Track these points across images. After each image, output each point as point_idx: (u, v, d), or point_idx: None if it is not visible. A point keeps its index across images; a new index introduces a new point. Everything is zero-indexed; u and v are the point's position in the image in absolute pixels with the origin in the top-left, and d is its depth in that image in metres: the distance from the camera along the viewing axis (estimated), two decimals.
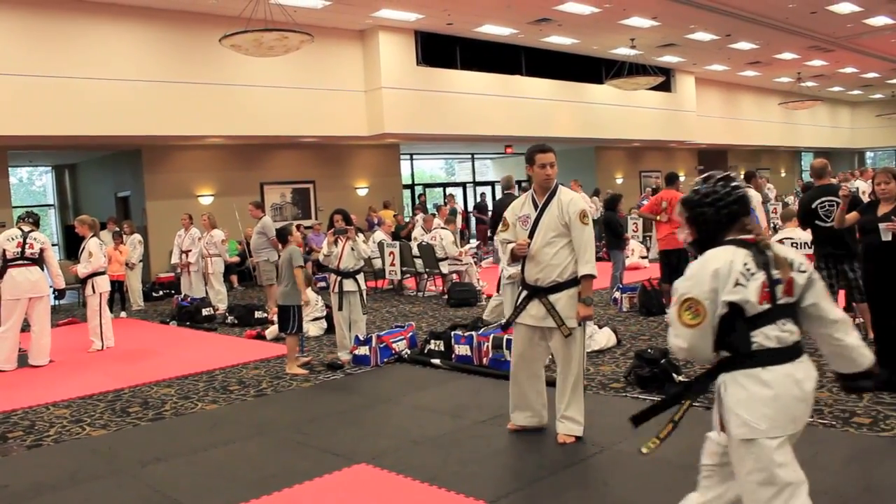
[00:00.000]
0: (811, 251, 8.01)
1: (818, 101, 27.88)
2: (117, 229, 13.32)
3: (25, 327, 8.76)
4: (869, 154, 38.47)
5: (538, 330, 5.01)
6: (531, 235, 4.90)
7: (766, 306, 2.68)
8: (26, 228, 8.76)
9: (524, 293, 5.05)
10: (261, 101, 15.22)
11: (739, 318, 2.68)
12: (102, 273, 9.56)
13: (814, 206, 7.05)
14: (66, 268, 14.68)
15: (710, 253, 2.74)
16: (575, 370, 4.93)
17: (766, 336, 2.69)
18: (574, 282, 4.84)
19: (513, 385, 5.24)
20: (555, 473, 4.49)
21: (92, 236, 9.59)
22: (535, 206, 4.95)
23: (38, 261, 8.69)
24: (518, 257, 4.96)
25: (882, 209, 5.85)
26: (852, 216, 6.62)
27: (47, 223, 20.85)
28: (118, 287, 12.45)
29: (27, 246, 8.59)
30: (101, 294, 9.47)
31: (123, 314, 12.49)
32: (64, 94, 12.98)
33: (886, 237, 5.70)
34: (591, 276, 4.82)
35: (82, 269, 9.46)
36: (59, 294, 9.77)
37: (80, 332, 10.42)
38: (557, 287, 4.84)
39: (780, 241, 8.53)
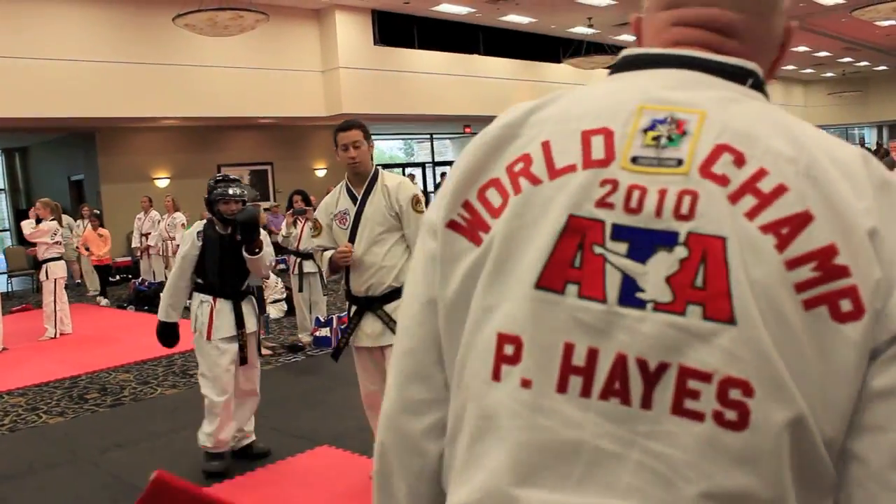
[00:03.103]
0: None
1: (773, 79, 28.28)
2: (97, 211, 13.01)
3: None
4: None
5: (377, 351, 3.88)
6: (352, 236, 3.84)
7: None
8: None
9: (353, 308, 3.95)
10: (216, 81, 15.00)
11: None
12: (57, 259, 9.37)
13: None
14: (18, 253, 14.42)
15: None
16: None
17: None
18: None
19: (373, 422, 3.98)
20: None
21: (52, 220, 9.40)
22: (353, 198, 3.91)
23: None
24: (340, 267, 3.88)
25: None
26: None
27: None
28: (105, 273, 12.31)
29: None
30: (55, 280, 9.29)
31: (105, 301, 12.22)
32: (14, 76, 12.65)
33: None
34: None
35: (26, 230, 9.27)
36: None
37: (34, 318, 10.23)
38: (395, 293, 3.74)
39: None
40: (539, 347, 0.80)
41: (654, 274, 0.77)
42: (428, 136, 26.49)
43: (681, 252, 0.76)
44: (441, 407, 0.90)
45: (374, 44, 17.54)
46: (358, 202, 3.87)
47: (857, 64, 30.43)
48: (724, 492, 0.74)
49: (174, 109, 14.65)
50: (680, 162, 0.79)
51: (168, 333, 4.52)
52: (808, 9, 19.65)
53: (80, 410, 6.10)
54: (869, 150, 6.49)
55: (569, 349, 0.79)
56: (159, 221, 12.20)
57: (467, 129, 23.09)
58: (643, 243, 0.78)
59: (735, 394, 0.74)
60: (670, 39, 0.91)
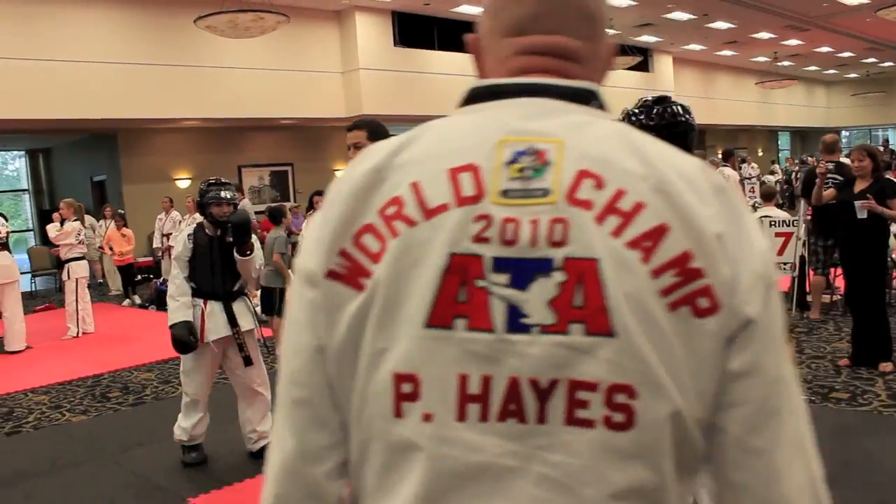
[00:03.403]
0: (790, 229, 8.08)
1: (794, 80, 28.03)
2: (121, 211, 13.06)
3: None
4: (844, 133, 38.81)
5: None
6: None
7: None
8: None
9: None
10: (237, 83, 15.07)
11: None
12: (80, 259, 9.46)
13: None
14: (42, 253, 14.55)
15: None
16: None
17: None
18: None
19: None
20: None
21: (74, 220, 9.48)
22: None
23: (6, 245, 8.56)
24: None
25: (858, 186, 5.89)
26: (829, 193, 6.67)
27: (21, 208, 20.58)
28: (129, 273, 12.31)
29: None
30: (77, 279, 9.36)
31: (138, 301, 12.24)
32: (38, 78, 12.78)
33: (862, 215, 5.74)
34: None
35: (51, 233, 9.38)
36: None
37: (57, 317, 10.32)
38: None
39: (759, 220, 8.61)
40: (436, 382, 0.84)
41: (536, 299, 0.82)
42: None
43: (558, 276, 0.82)
44: (340, 449, 0.93)
45: (394, 45, 17.56)
46: None
47: (882, 64, 30.09)
48: (619, 489, 0.81)
49: (195, 111, 14.74)
50: (546, 192, 0.84)
51: (184, 337, 4.49)
52: (832, 9, 19.46)
53: (102, 409, 6.15)
54: (893, 152, 6.41)
55: (463, 380, 0.83)
56: (180, 222, 12.28)
57: None
58: (522, 272, 0.83)
59: (620, 398, 0.81)
60: (518, 67, 0.95)
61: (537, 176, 0.85)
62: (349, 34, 16.86)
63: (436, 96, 18.21)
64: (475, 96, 0.96)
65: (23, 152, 20.37)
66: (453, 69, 18.70)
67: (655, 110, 2.67)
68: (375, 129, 3.96)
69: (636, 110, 2.73)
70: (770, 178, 15.84)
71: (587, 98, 0.94)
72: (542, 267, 0.83)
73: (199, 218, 4.74)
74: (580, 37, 0.96)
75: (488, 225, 0.84)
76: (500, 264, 0.83)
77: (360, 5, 16.57)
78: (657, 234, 0.83)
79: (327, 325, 0.89)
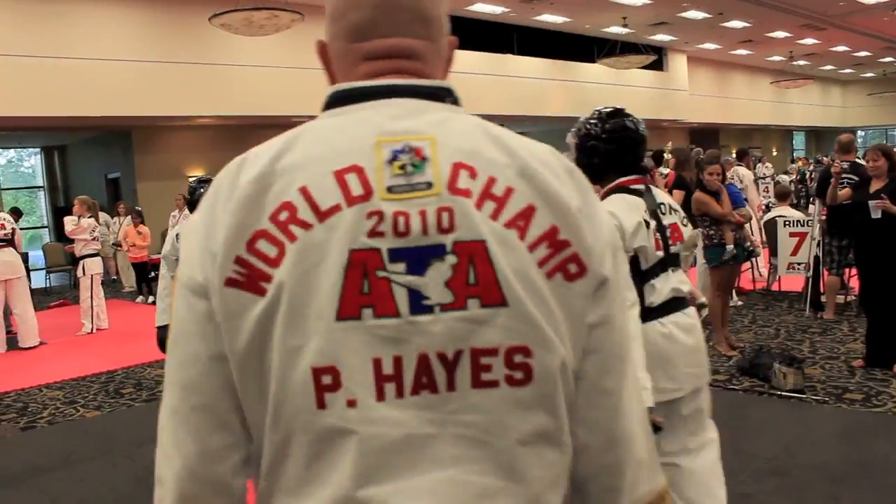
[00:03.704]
0: (804, 229, 8.04)
1: (810, 79, 27.86)
2: (139, 208, 13.07)
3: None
4: (860, 133, 38.58)
5: None
6: None
7: (660, 255, 2.72)
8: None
9: None
10: (251, 80, 15.11)
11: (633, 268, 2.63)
12: (94, 255, 9.51)
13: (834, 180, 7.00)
14: (57, 249, 14.65)
15: (608, 201, 2.72)
16: None
17: (655, 289, 2.71)
18: None
19: None
20: None
21: (89, 217, 9.54)
22: None
23: (11, 241, 8.59)
24: None
25: (874, 186, 5.85)
26: (844, 193, 6.63)
27: (36, 205, 20.71)
28: (144, 270, 12.28)
29: None
30: (92, 276, 9.42)
31: (151, 299, 12.30)
32: (53, 75, 12.85)
33: (876, 215, 5.71)
34: None
35: (68, 226, 9.42)
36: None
37: (72, 313, 10.39)
38: None
39: (773, 220, 8.57)
40: (353, 370, 0.90)
41: (434, 282, 0.91)
42: None
43: (451, 259, 0.91)
44: (242, 446, 0.98)
45: None
46: None
47: None
48: (525, 436, 0.94)
49: (210, 108, 14.79)
50: (430, 185, 0.93)
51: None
52: (849, 7, 19.33)
53: (115, 404, 6.19)
54: None
55: (377, 363, 0.90)
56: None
57: None
58: (418, 259, 0.91)
59: (518, 358, 0.92)
60: (370, 70, 1.03)
61: (418, 171, 0.93)
62: None
63: None
64: (339, 99, 1.02)
65: (38, 149, 20.51)
66: (466, 67, 18.70)
67: (608, 123, 2.75)
68: None
69: (592, 121, 2.80)
70: (784, 178, 15.76)
71: (444, 96, 1.03)
72: (436, 252, 0.91)
73: (189, 215, 4.73)
74: (419, 37, 1.03)
75: (381, 220, 0.91)
76: (397, 254, 0.91)
77: None
78: (527, 213, 0.94)
79: (228, 332, 0.93)
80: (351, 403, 0.90)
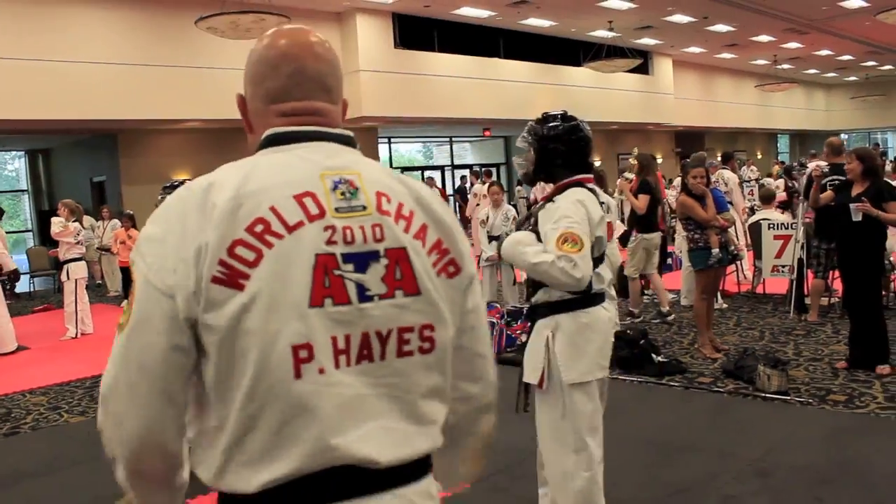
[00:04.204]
0: (788, 232, 8.10)
1: (794, 83, 28.04)
2: (129, 212, 12.88)
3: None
4: (843, 136, 38.86)
5: None
6: None
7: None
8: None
9: None
10: (238, 84, 14.77)
11: None
12: (78, 259, 9.45)
13: (823, 182, 7.04)
14: (41, 253, 14.55)
15: (571, 192, 2.97)
16: None
17: (600, 276, 3.02)
18: None
19: None
20: (534, 455, 4.51)
21: (74, 221, 9.47)
22: None
23: None
24: None
25: (856, 189, 5.89)
26: (826, 195, 6.68)
27: (20, 209, 20.58)
28: (128, 272, 12.11)
29: None
30: (76, 280, 9.36)
31: None
32: (38, 78, 12.79)
33: (857, 217, 5.74)
34: None
35: (55, 227, 9.33)
36: (14, 276, 9.60)
37: (55, 318, 10.32)
38: None
39: (757, 223, 8.62)
40: (321, 345, 1.19)
41: (373, 278, 1.24)
42: (447, 139, 26.49)
43: (384, 261, 1.25)
44: (181, 419, 1.27)
45: (395, 47, 17.58)
46: None
47: (881, 68, 30.11)
48: (427, 391, 1.30)
49: (195, 111, 14.76)
50: (364, 207, 1.26)
51: None
52: (832, 12, 19.49)
53: None
54: (884, 154, 6.41)
55: (334, 340, 1.21)
56: None
57: (486, 133, 23.07)
58: (361, 261, 1.24)
59: (427, 333, 1.28)
60: (284, 123, 1.34)
61: (354, 197, 1.26)
62: (350, 36, 16.88)
63: (436, 98, 18.24)
64: (274, 140, 1.32)
65: (22, 153, 20.39)
66: (453, 71, 18.73)
67: (565, 126, 3.06)
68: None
69: (550, 125, 3.08)
70: (769, 181, 15.84)
71: (352, 142, 1.37)
72: (373, 256, 1.24)
73: None
74: (323, 101, 1.36)
75: (334, 232, 1.22)
76: (347, 258, 1.23)
77: (360, 7, 16.60)
78: (424, 229, 1.31)
79: (209, 319, 1.17)
80: (321, 371, 1.19)
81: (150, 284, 1.20)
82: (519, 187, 23.66)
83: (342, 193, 1.25)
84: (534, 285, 3.05)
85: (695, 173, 6.65)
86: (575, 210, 2.88)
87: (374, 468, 1.23)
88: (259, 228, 1.18)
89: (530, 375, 3.02)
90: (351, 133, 1.37)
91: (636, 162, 8.35)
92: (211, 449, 1.23)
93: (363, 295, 1.23)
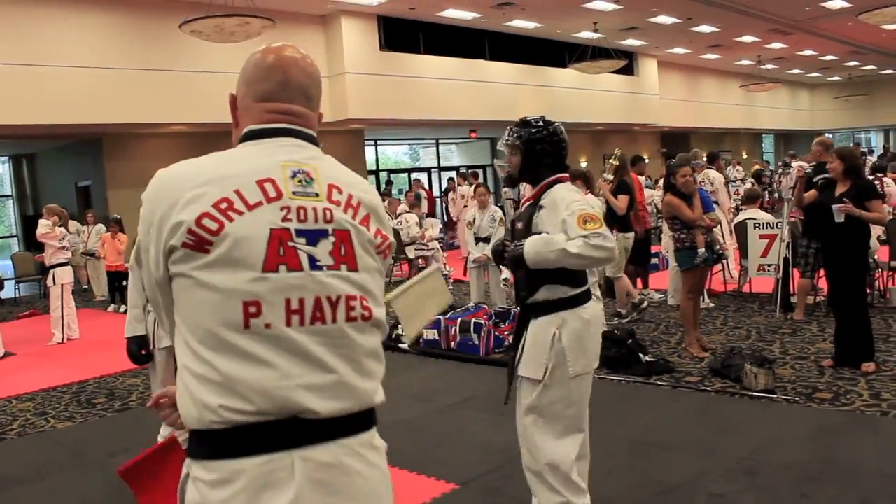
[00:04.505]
0: (774, 231, 8.14)
1: (778, 83, 28.20)
2: (116, 216, 12.73)
3: None
4: (828, 135, 39.07)
5: None
6: None
7: None
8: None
9: None
10: (223, 87, 14.87)
11: None
12: (64, 264, 9.40)
13: (815, 179, 7.08)
14: (26, 259, 14.46)
15: (560, 186, 3.14)
16: None
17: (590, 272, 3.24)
18: None
19: None
20: None
21: (59, 225, 9.42)
22: None
23: None
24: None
25: (839, 189, 5.93)
26: (810, 195, 6.72)
27: (5, 214, 20.44)
28: (118, 279, 11.93)
29: None
30: (62, 285, 9.30)
31: (123, 308, 12.10)
32: (21, 82, 12.71)
33: (839, 218, 5.77)
34: None
35: (41, 229, 9.26)
36: None
37: (41, 324, 10.26)
38: None
39: (743, 222, 8.67)
40: (271, 304, 1.42)
41: (322, 251, 1.48)
42: (434, 141, 26.51)
43: (332, 238, 1.50)
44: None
45: (380, 49, 17.56)
46: None
47: (864, 68, 30.32)
48: (368, 351, 1.54)
49: (181, 115, 14.71)
50: (317, 194, 1.52)
51: (135, 353, 4.43)
52: (815, 13, 19.62)
53: (88, 415, 6.12)
54: (865, 153, 6.45)
55: (288, 301, 1.43)
56: None
57: (473, 134, 23.08)
58: (313, 237, 1.48)
59: (365, 302, 1.53)
60: (269, 120, 1.60)
61: (309, 185, 1.52)
62: (335, 38, 16.86)
63: (421, 100, 18.24)
64: (251, 135, 1.60)
65: (6, 158, 20.25)
66: (439, 73, 18.73)
67: (548, 129, 3.24)
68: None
69: (535, 129, 3.23)
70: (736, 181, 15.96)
71: (315, 141, 1.63)
72: (323, 234, 1.49)
73: None
74: (303, 105, 1.63)
75: (289, 211, 1.47)
76: (300, 233, 1.47)
77: (345, 10, 16.58)
78: (368, 217, 1.57)
79: (178, 274, 1.46)
80: (267, 326, 1.42)
81: (148, 271, 1.58)
82: (506, 188, 23.71)
83: (299, 181, 1.50)
84: (533, 284, 3.11)
85: (683, 172, 6.68)
86: (578, 195, 3.08)
87: (317, 419, 1.43)
88: (224, 206, 1.44)
89: (533, 370, 3.09)
90: (315, 134, 1.64)
91: (616, 163, 8.36)
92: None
93: (314, 264, 1.46)
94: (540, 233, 3.06)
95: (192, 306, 1.44)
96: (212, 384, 1.41)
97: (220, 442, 1.41)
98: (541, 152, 3.18)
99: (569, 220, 2.94)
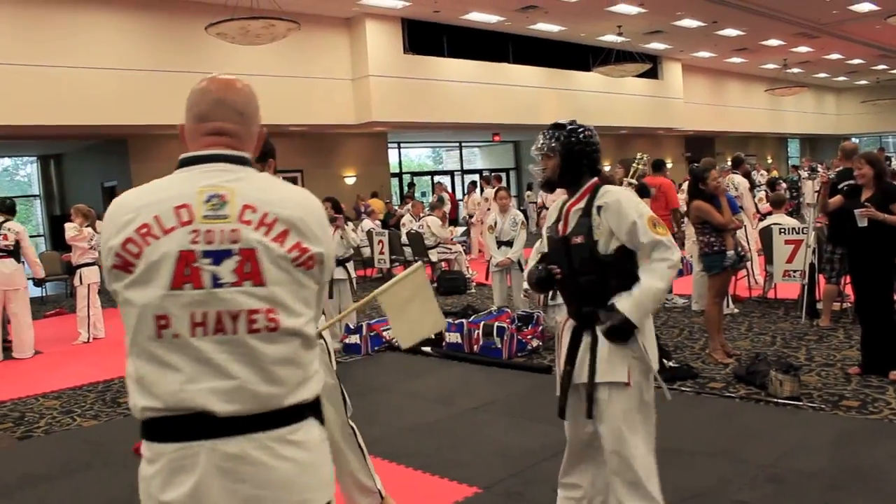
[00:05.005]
0: (799, 237, 8.07)
1: (804, 87, 27.98)
2: None
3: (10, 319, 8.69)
4: (854, 140, 38.68)
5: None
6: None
7: None
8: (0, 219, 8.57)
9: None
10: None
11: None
12: (91, 264, 9.48)
13: (840, 186, 7.02)
14: (53, 258, 14.62)
15: (611, 187, 3.10)
16: (335, 434, 3.61)
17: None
18: None
19: None
20: (546, 459, 4.51)
21: (87, 225, 9.51)
22: None
23: (14, 252, 8.52)
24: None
25: (864, 195, 5.87)
26: (835, 201, 6.65)
27: (32, 214, 20.69)
28: None
29: (0, 238, 8.43)
30: (88, 285, 9.39)
31: None
32: (50, 84, 12.87)
33: (862, 223, 5.72)
34: None
35: (70, 232, 9.35)
36: (39, 283, 9.64)
37: (68, 323, 10.36)
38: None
39: (768, 227, 8.60)
40: (178, 317, 1.61)
41: (226, 270, 1.62)
42: (457, 144, 26.52)
43: (237, 257, 1.63)
44: None
45: (404, 52, 17.62)
46: None
47: (892, 71, 30.01)
48: (280, 358, 1.65)
49: None
50: (227, 217, 1.65)
51: None
52: (842, 16, 19.44)
53: (112, 414, 6.18)
54: (889, 158, 6.38)
55: (193, 315, 1.61)
56: None
57: (496, 138, 23.07)
58: (218, 257, 1.62)
59: (271, 315, 1.64)
60: (205, 143, 1.76)
61: (222, 208, 1.65)
62: (359, 41, 16.93)
63: (445, 103, 18.27)
64: (183, 163, 1.76)
65: (34, 158, 20.51)
66: (462, 76, 18.75)
67: (585, 132, 3.17)
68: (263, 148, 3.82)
69: (575, 132, 3.16)
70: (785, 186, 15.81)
71: (244, 162, 1.75)
72: (228, 254, 1.62)
73: None
74: (235, 123, 1.77)
75: (198, 234, 1.62)
76: (206, 254, 1.61)
77: (370, 12, 16.64)
78: (285, 233, 1.66)
79: (113, 292, 1.70)
80: (175, 336, 1.61)
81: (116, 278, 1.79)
82: (529, 192, 23.69)
83: (212, 205, 1.65)
84: (600, 299, 2.98)
85: (714, 174, 6.69)
86: (637, 197, 3.07)
87: (221, 416, 1.60)
88: (144, 231, 1.64)
89: (619, 374, 2.95)
90: (244, 154, 1.76)
91: (642, 167, 8.29)
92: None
93: (216, 282, 1.61)
94: (597, 241, 2.96)
95: (125, 318, 1.69)
96: (136, 385, 1.66)
97: (149, 429, 1.68)
98: (578, 154, 3.12)
99: (639, 222, 2.89)
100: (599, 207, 2.99)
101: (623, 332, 2.93)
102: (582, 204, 3.07)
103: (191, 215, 1.63)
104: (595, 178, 3.13)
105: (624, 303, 2.91)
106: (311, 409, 1.73)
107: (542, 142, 3.18)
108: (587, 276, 3.00)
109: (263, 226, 1.64)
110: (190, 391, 1.60)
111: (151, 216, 1.64)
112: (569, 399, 3.10)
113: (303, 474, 1.69)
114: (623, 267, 2.94)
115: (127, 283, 1.64)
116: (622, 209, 2.93)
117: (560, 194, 3.24)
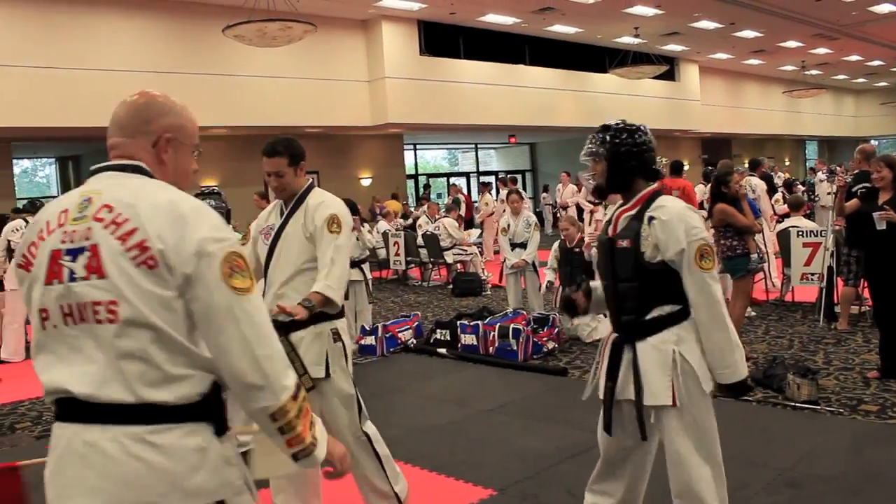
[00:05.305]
0: (817, 240, 8.01)
1: (822, 89, 27.78)
2: None
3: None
4: (873, 142, 38.38)
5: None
6: (270, 252, 3.61)
7: None
8: (30, 219, 8.66)
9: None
10: (264, 91, 15.19)
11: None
12: None
13: (854, 189, 6.97)
14: None
15: (667, 199, 2.88)
16: (348, 440, 3.48)
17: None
18: (324, 316, 3.42)
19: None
20: (562, 461, 4.50)
21: None
22: (282, 213, 3.69)
23: None
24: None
25: (882, 197, 5.83)
26: (852, 204, 6.60)
27: None
28: None
29: None
30: None
31: None
32: (68, 86, 12.97)
33: (881, 226, 5.68)
34: (323, 297, 3.32)
35: None
36: None
37: None
38: (301, 322, 3.33)
39: (786, 230, 8.54)
40: (53, 310, 1.75)
41: (79, 265, 1.73)
42: (473, 146, 26.51)
43: (87, 254, 1.73)
44: None
45: (420, 54, 17.64)
46: (283, 217, 3.65)
47: None
48: (125, 352, 1.70)
49: (222, 119, 14.88)
50: (86, 217, 1.76)
51: None
52: (862, 17, 19.30)
53: None
54: None
55: (62, 307, 1.74)
56: None
57: (512, 139, 23.05)
58: (75, 254, 1.74)
59: (112, 307, 1.70)
60: (110, 155, 1.92)
61: (86, 210, 1.77)
62: (375, 43, 16.96)
63: (461, 104, 18.26)
64: (91, 174, 1.89)
65: (53, 160, 20.67)
66: (479, 78, 18.75)
67: (637, 135, 2.93)
68: (295, 151, 3.75)
69: (624, 134, 2.93)
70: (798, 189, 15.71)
71: (132, 169, 1.87)
72: (81, 251, 1.73)
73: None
74: (121, 136, 1.92)
75: (66, 234, 1.76)
76: (68, 252, 1.75)
77: (386, 14, 16.67)
78: (131, 232, 1.71)
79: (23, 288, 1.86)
80: (55, 326, 1.76)
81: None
82: (545, 194, 23.65)
83: (83, 207, 1.78)
84: (642, 308, 2.87)
85: (737, 178, 6.72)
86: (696, 217, 2.82)
87: (87, 401, 1.71)
88: (40, 234, 1.82)
89: (659, 397, 2.82)
90: (129, 163, 1.87)
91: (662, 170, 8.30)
92: None
93: (72, 277, 1.74)
94: (644, 252, 2.80)
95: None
96: (39, 374, 1.82)
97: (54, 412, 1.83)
98: (626, 156, 2.89)
99: (688, 250, 2.72)
100: (651, 218, 2.81)
101: (743, 389, 2.91)
102: (634, 211, 2.88)
103: (66, 218, 1.79)
104: (654, 186, 2.92)
105: (722, 377, 2.85)
106: (186, 415, 1.73)
107: (588, 146, 2.98)
108: (629, 283, 2.86)
109: (113, 224, 1.73)
110: (63, 373, 1.74)
111: (45, 222, 1.83)
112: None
113: (149, 476, 1.68)
114: (667, 279, 2.78)
115: (29, 281, 1.82)
116: (674, 231, 2.75)
117: (616, 199, 3.03)
